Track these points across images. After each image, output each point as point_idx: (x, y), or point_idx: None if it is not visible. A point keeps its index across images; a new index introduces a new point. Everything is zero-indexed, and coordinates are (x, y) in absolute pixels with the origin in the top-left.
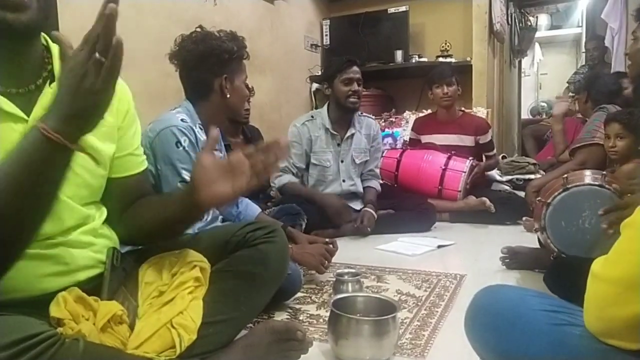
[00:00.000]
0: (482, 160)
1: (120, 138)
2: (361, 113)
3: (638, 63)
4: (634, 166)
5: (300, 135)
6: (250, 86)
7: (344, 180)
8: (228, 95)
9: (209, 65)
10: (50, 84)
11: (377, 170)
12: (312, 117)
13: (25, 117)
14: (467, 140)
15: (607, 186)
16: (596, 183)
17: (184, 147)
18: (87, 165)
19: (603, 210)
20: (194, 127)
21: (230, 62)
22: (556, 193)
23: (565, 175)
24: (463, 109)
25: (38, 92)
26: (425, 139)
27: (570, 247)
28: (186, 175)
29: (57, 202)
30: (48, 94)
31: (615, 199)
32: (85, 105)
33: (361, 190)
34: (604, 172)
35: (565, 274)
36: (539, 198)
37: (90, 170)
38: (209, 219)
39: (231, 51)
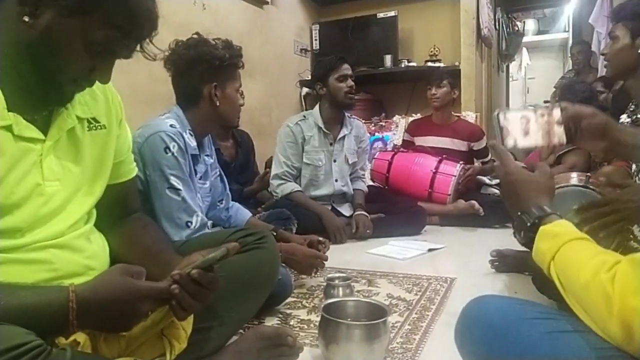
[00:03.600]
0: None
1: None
2: (350, 115)
3: (620, 63)
4: (612, 169)
5: (295, 134)
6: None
7: (336, 180)
8: (217, 103)
9: (198, 71)
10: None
11: (362, 172)
12: (305, 117)
13: (43, 137)
14: (460, 145)
15: (591, 187)
16: (580, 184)
17: (172, 153)
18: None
19: (577, 207)
20: (183, 133)
21: (221, 70)
22: None
23: None
24: (459, 114)
25: (54, 114)
26: (419, 140)
27: None
28: (174, 182)
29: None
30: (63, 115)
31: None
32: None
33: (352, 191)
34: (589, 174)
35: None
36: None
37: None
38: (197, 226)
39: (222, 58)
